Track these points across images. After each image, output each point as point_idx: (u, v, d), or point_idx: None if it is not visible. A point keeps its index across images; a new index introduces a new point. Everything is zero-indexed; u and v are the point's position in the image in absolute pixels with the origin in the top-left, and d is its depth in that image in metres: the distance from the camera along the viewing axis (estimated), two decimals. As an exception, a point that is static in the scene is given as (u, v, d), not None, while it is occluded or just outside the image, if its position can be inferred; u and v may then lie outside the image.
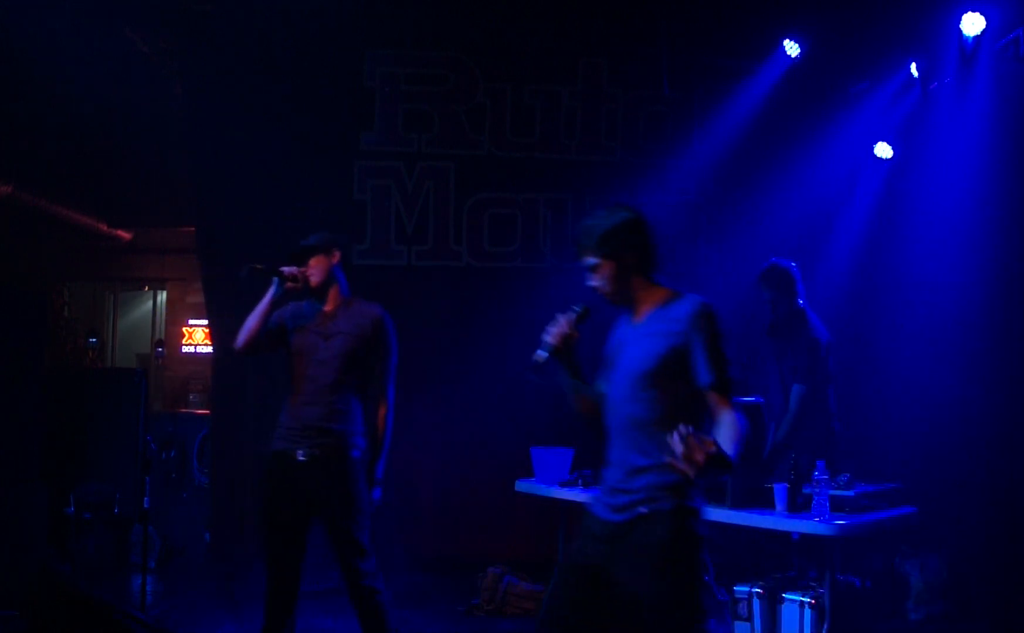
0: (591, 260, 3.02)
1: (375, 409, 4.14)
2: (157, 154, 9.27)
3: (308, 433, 3.94)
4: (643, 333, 2.97)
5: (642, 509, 2.83)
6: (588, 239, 3.01)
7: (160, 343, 11.79)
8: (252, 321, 4.04)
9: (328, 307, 4.11)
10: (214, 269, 7.35)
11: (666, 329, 2.90)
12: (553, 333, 3.07)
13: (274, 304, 4.06)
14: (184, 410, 8.85)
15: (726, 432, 2.74)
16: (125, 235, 11.31)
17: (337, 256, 4.13)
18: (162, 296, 12.59)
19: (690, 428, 2.56)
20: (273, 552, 3.98)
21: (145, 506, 5.28)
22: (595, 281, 3.04)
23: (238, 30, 7.12)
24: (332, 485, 3.93)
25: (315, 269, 4.07)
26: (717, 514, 4.40)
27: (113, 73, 7.82)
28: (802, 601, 4.48)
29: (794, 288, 5.32)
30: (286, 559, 3.96)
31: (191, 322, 11.97)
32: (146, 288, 12.80)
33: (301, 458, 3.93)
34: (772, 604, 4.60)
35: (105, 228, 10.86)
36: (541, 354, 3.06)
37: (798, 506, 4.24)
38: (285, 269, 4.05)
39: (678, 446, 2.53)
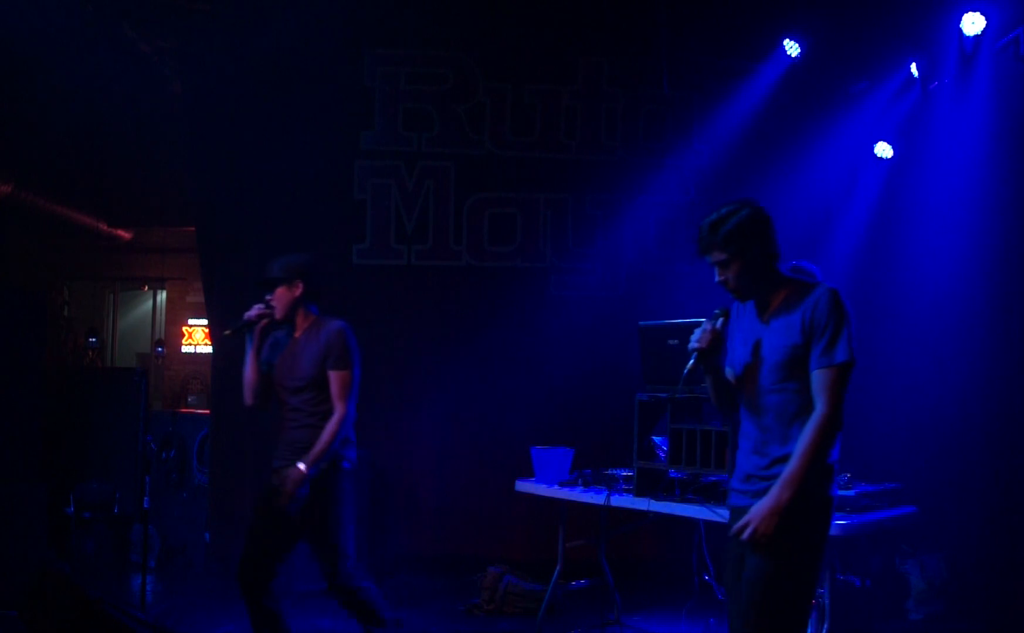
0: (718, 256, 3.02)
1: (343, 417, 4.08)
2: (157, 154, 9.28)
3: (298, 453, 4.01)
4: (776, 326, 3.00)
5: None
6: (713, 236, 3.02)
7: (160, 343, 11.79)
8: (247, 375, 4.19)
9: (297, 333, 4.17)
10: (214, 269, 7.36)
11: (798, 317, 2.94)
12: (700, 338, 3.10)
13: (259, 349, 4.17)
14: (184, 410, 8.86)
15: (801, 438, 2.88)
16: (125, 235, 11.31)
17: (300, 288, 4.13)
18: (162, 296, 12.60)
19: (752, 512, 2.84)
20: (252, 544, 4.07)
21: (145, 506, 5.29)
22: (723, 277, 3.06)
23: (238, 30, 7.13)
24: (318, 496, 3.98)
25: (278, 302, 4.13)
26: (717, 514, 4.40)
27: (114, 73, 7.82)
28: (802, 601, 4.47)
29: None
30: (262, 554, 4.05)
31: (191, 322, 11.99)
32: (146, 288, 12.81)
33: (282, 470, 4.03)
34: (772, 604, 4.59)
35: (105, 228, 10.87)
36: (690, 363, 3.12)
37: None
38: (251, 314, 4.11)
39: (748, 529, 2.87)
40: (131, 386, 7.76)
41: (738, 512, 3.02)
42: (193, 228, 7.73)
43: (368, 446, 6.65)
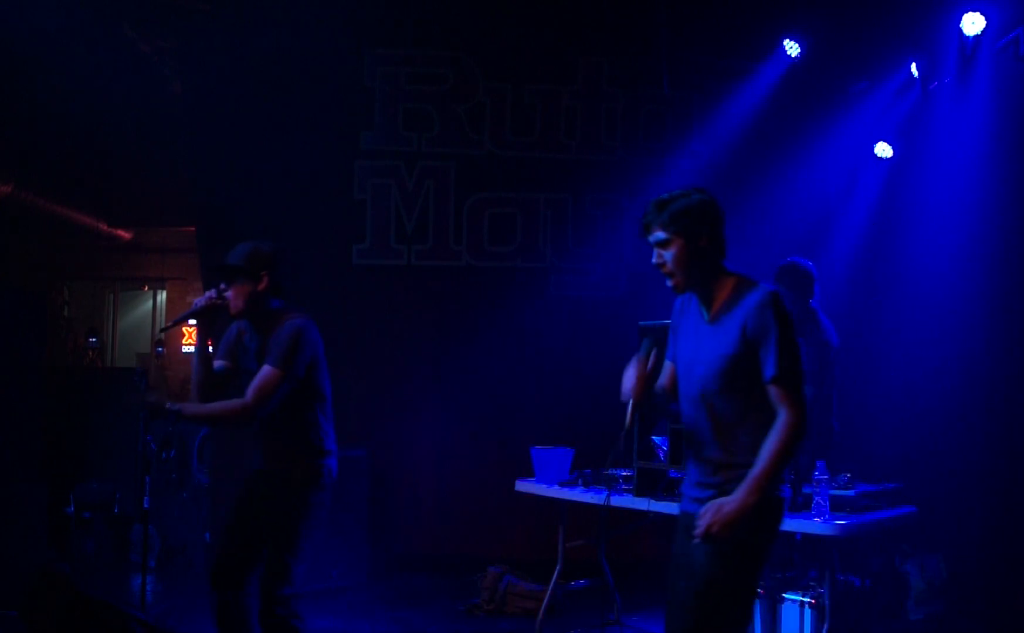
0: (660, 235, 2.90)
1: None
2: (157, 154, 9.28)
3: (271, 459, 3.85)
4: (717, 328, 2.87)
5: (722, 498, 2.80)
6: (660, 212, 2.90)
7: (160, 343, 11.79)
8: (194, 371, 3.84)
9: (259, 331, 3.81)
10: (214, 269, 7.36)
11: (738, 323, 2.80)
12: (629, 386, 2.95)
13: (203, 345, 3.83)
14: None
15: (768, 443, 2.73)
16: (125, 235, 11.32)
17: (265, 282, 3.76)
18: (162, 296, 12.61)
19: (712, 506, 2.71)
20: (221, 559, 3.88)
21: (145, 505, 5.28)
22: (661, 259, 2.91)
23: (238, 30, 7.13)
24: (284, 506, 3.77)
25: (236, 296, 3.74)
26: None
27: (114, 73, 7.82)
28: (802, 601, 4.48)
29: (811, 288, 5.29)
30: (233, 568, 3.84)
31: (191, 321, 11.97)
32: (146, 288, 12.81)
33: (263, 477, 3.85)
34: (772, 604, 4.60)
35: (105, 228, 10.87)
36: (627, 419, 2.98)
37: (798, 506, 4.24)
38: (200, 302, 3.77)
39: (703, 520, 2.71)
40: (131, 386, 7.75)
41: (686, 518, 2.92)
42: (193, 228, 7.73)
43: (368, 446, 6.68)
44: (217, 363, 3.90)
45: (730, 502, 2.71)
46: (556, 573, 5.31)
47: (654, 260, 2.92)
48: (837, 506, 4.21)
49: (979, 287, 5.88)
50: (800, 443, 2.75)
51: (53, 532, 6.50)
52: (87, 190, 10.08)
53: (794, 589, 4.59)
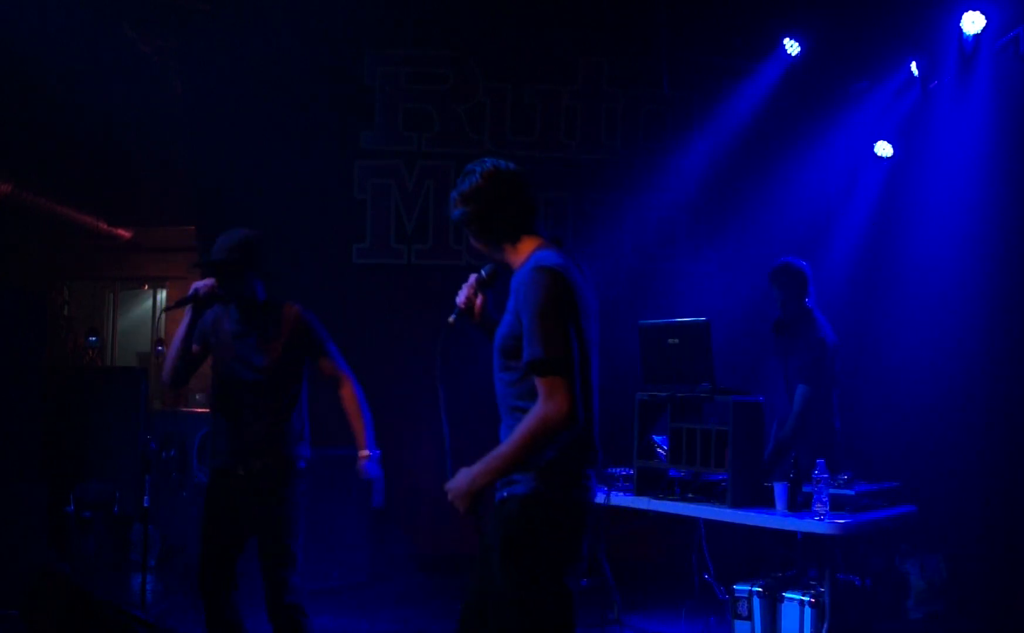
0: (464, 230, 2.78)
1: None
2: (157, 154, 9.27)
3: (250, 452, 3.83)
4: (508, 301, 2.73)
5: (502, 492, 2.71)
6: (452, 209, 2.82)
7: (160, 342, 11.77)
8: (173, 352, 3.89)
9: (247, 318, 3.89)
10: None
11: (511, 297, 2.66)
12: (460, 295, 2.94)
13: (191, 328, 3.87)
14: (184, 408, 8.85)
15: (515, 428, 2.54)
16: (125, 234, 11.30)
17: (253, 268, 3.87)
18: (162, 295, 12.60)
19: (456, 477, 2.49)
20: (208, 562, 3.86)
21: (145, 505, 5.28)
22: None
23: (238, 30, 7.14)
24: (272, 499, 3.80)
25: (230, 283, 3.83)
26: (717, 513, 4.40)
27: (113, 73, 7.82)
28: (802, 600, 4.48)
29: (805, 287, 5.29)
30: (220, 568, 3.84)
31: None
32: (146, 287, 12.80)
33: (242, 473, 3.83)
34: (772, 603, 4.61)
35: (105, 227, 10.86)
36: (451, 317, 2.99)
37: (798, 505, 4.24)
38: (200, 286, 3.81)
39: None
40: (131, 386, 7.75)
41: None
42: (193, 227, 7.74)
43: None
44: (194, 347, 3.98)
45: (460, 475, 2.62)
46: (556, 573, 5.29)
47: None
48: (837, 505, 4.21)
49: (979, 287, 5.88)
50: (548, 438, 2.51)
51: (53, 532, 6.50)
52: (87, 190, 10.07)
53: (794, 588, 4.59)
